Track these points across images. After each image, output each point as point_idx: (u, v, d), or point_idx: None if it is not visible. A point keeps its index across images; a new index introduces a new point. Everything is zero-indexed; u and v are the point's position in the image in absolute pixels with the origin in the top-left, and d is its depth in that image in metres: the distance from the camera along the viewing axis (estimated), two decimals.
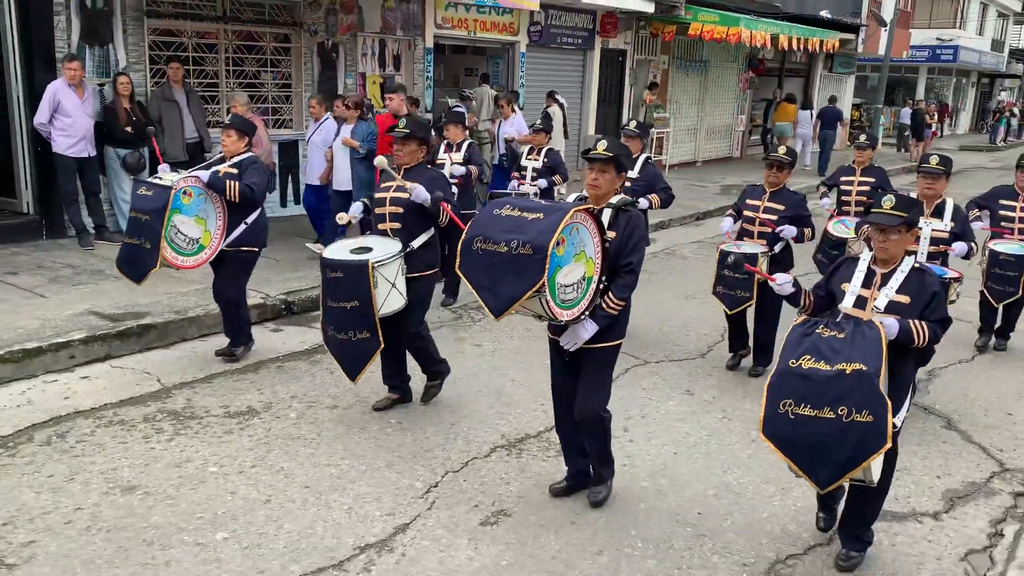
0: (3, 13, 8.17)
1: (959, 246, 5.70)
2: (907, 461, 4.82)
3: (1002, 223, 6.95)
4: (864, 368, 3.25)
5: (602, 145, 3.99)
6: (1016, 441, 5.31)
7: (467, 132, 8.33)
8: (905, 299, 3.63)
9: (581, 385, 4.06)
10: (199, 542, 3.71)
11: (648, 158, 7.28)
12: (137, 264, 5.60)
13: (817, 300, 3.87)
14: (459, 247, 3.67)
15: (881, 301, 3.65)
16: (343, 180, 8.56)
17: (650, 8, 15.62)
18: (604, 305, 3.90)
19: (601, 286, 3.87)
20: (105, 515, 3.90)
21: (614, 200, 3.98)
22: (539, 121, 8.89)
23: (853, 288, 3.75)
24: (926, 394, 5.97)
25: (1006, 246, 6.81)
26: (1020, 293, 6.73)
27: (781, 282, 3.90)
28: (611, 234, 3.89)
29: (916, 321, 3.55)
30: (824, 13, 22.89)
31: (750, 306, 6.10)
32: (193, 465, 4.42)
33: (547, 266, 3.47)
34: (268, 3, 10.23)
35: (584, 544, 3.88)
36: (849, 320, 3.49)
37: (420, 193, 5.00)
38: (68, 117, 8.13)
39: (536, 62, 14.68)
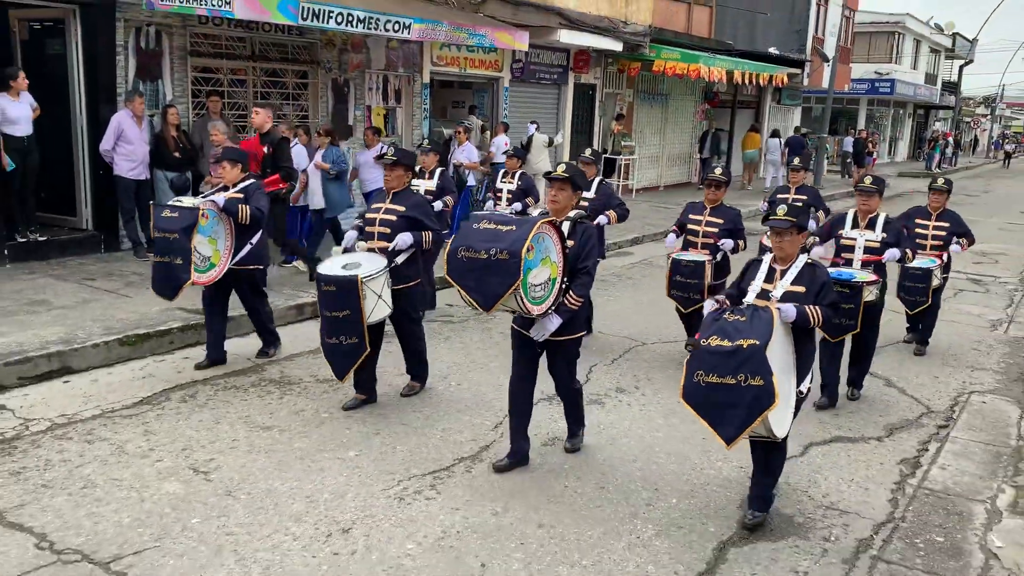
0: (71, 53, 9.32)
1: (890, 252, 6.38)
2: (858, 406, 6.21)
3: (916, 240, 7.69)
4: (757, 343, 3.93)
5: (560, 168, 4.83)
6: (939, 395, 6.74)
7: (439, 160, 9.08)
8: (800, 289, 4.41)
9: (556, 371, 4.96)
10: (339, 458, 4.92)
11: (602, 180, 7.99)
12: (171, 280, 6.13)
13: (731, 299, 4.59)
14: (445, 255, 4.43)
15: (778, 291, 4.44)
16: (318, 200, 9.43)
17: (619, 47, 17.16)
18: (567, 302, 4.67)
19: (564, 286, 4.64)
20: (257, 443, 5.08)
21: (571, 214, 4.79)
22: (512, 148, 9.91)
23: (757, 283, 4.55)
24: (880, 374, 7.39)
25: (916, 261, 7.41)
26: (929, 301, 7.55)
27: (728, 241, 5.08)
28: (570, 242, 4.67)
29: (811, 306, 4.31)
30: (772, 50, 24.83)
31: (700, 305, 6.66)
32: (308, 412, 5.62)
33: (521, 268, 4.23)
34: (290, 43, 11.48)
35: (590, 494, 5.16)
36: (750, 306, 4.22)
37: (404, 241, 5.70)
38: (130, 144, 9.26)
39: (517, 95, 16.10)
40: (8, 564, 3.68)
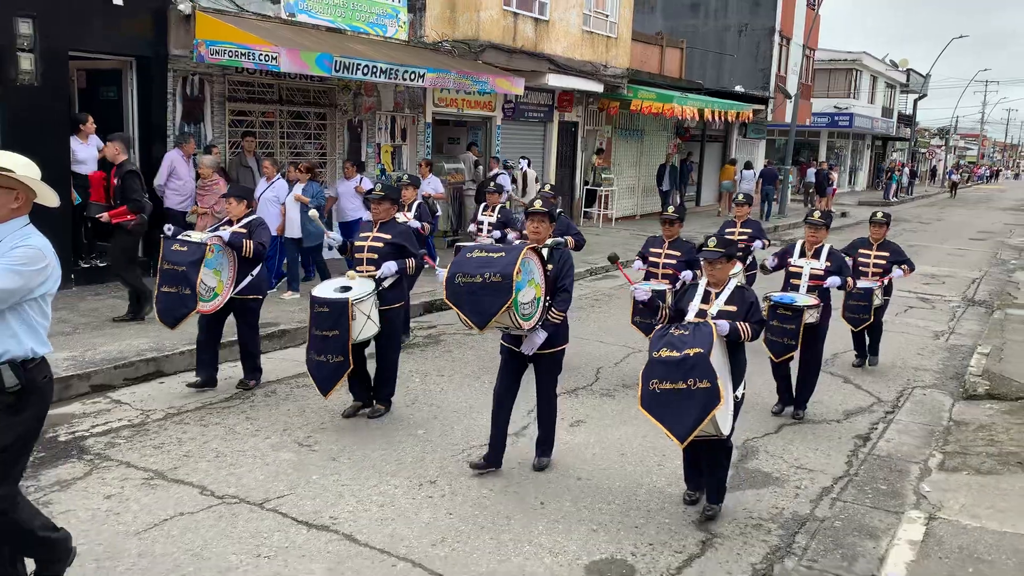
0: (127, 99, 10.51)
1: (832, 280, 7.11)
2: (820, 397, 7.52)
3: (859, 268, 8.50)
4: (701, 351, 4.49)
5: (538, 203, 5.56)
6: (888, 389, 8.09)
7: (417, 193, 9.83)
8: (733, 308, 5.06)
9: (541, 384, 5.51)
10: (411, 434, 6.14)
11: (560, 211, 8.71)
12: (177, 308, 6.44)
13: (671, 315, 5.31)
14: (444, 281, 5.02)
15: (714, 310, 5.08)
16: (295, 229, 10.23)
17: (600, 88, 18.66)
18: (550, 317, 5.29)
19: (547, 303, 5.26)
20: (342, 425, 6.27)
21: (549, 242, 5.42)
22: (492, 184, 10.72)
23: (695, 303, 5.19)
24: (831, 365, 8.73)
25: (859, 283, 8.19)
26: (872, 319, 8.38)
27: (640, 290, 5.40)
28: (549, 266, 5.29)
29: (741, 323, 4.92)
30: (739, 88, 26.59)
31: None
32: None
33: (513, 288, 4.81)
34: (312, 89, 12.75)
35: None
36: (691, 323, 4.86)
37: (389, 269, 6.24)
38: (180, 180, 10.44)
39: (508, 132, 17.49)
40: (185, 505, 4.85)
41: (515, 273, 4.87)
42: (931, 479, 5.77)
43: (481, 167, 16.48)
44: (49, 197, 3.59)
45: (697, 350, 4.51)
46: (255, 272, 6.90)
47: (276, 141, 12.43)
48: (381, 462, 5.60)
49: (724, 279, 5.22)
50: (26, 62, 9.09)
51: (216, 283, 6.65)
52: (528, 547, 4.56)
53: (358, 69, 10.87)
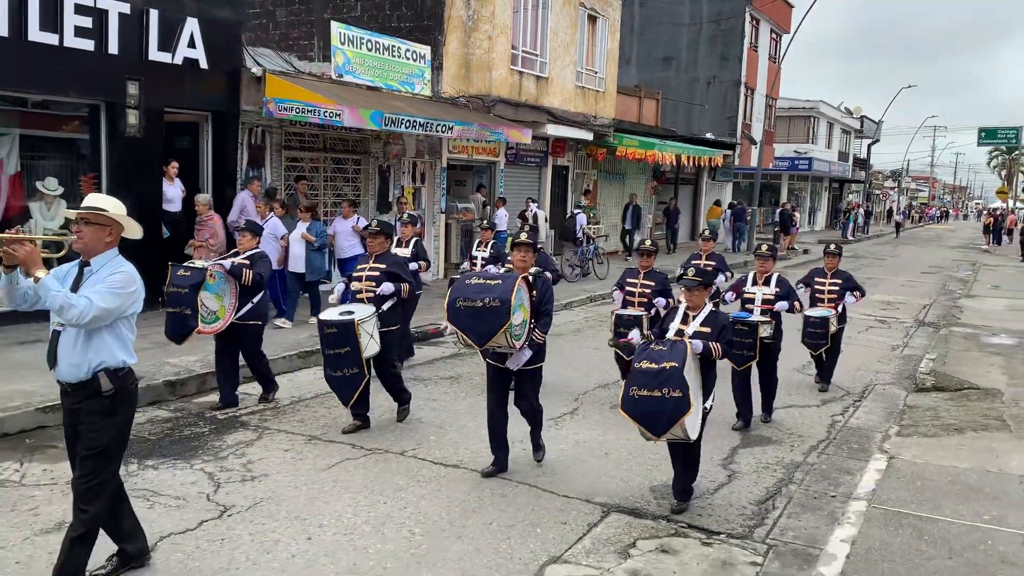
0: (203, 147, 12.20)
1: (780, 304, 7.92)
2: (801, 390, 9.34)
3: (815, 294, 9.36)
4: (676, 365, 5.10)
5: (523, 235, 6.27)
6: (856, 385, 9.93)
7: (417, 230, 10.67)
8: (707, 329, 5.69)
9: (522, 395, 6.15)
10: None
11: (540, 247, 9.53)
12: (181, 327, 7.00)
13: (656, 336, 5.82)
14: (446, 305, 5.61)
15: (690, 330, 5.72)
16: (299, 264, 11.09)
17: (590, 136, 20.69)
18: (535, 337, 5.93)
19: (532, 325, 5.88)
20: (434, 406, 7.95)
21: (533, 270, 6.05)
22: (484, 222, 12.32)
23: (675, 324, 5.88)
24: (806, 371, 10.57)
25: (816, 311, 9.14)
26: (829, 344, 9.17)
27: (634, 338, 6.29)
28: (534, 292, 5.91)
29: (714, 342, 5.57)
30: (709, 135, 28.89)
31: None
32: (455, 392, 8.52)
33: (511, 312, 5.43)
34: (350, 138, 14.54)
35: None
36: (669, 340, 5.49)
37: (386, 288, 7.01)
38: (249, 216, 12.10)
39: (510, 176, 19.39)
40: (346, 454, 6.50)
41: (512, 298, 5.51)
42: (891, 441, 7.60)
43: (488, 207, 18.31)
44: (135, 230, 4.17)
45: (672, 364, 5.15)
46: (256, 300, 7.55)
47: (321, 184, 14.16)
48: (473, 431, 7.24)
49: (700, 304, 5.95)
50: (132, 117, 10.77)
51: (218, 307, 7.26)
52: (633, 467, 6.29)
53: (402, 123, 12.70)
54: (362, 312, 6.83)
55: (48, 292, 3.78)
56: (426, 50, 15.40)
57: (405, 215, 12.35)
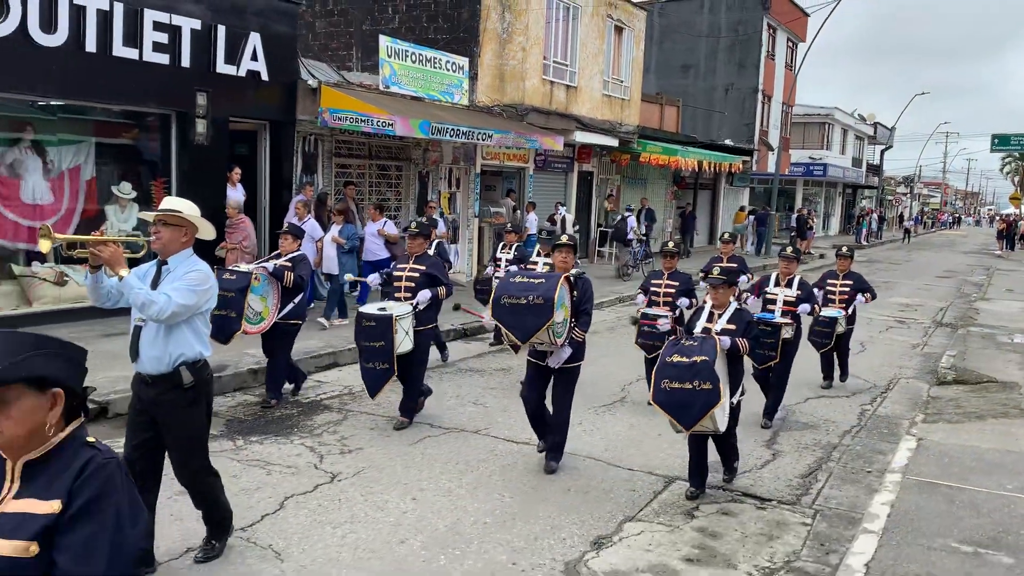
0: (261, 154, 12.95)
1: (803, 306, 8.23)
2: (812, 412, 10.00)
3: (827, 295, 9.59)
4: (706, 359, 5.33)
5: (565, 237, 6.47)
6: (881, 379, 10.57)
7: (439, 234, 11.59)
8: (733, 326, 5.89)
9: (557, 396, 6.23)
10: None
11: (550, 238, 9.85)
12: (226, 328, 7.05)
13: (683, 333, 6.17)
14: (491, 301, 5.89)
15: (717, 327, 5.92)
16: (332, 266, 11.54)
17: (615, 143, 21.39)
18: (575, 335, 6.08)
19: (572, 324, 6.05)
20: (497, 390, 8.65)
21: (573, 271, 6.21)
22: (509, 225, 12.72)
23: (702, 321, 6.09)
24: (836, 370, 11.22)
25: (826, 311, 9.30)
26: (832, 344, 9.48)
27: (662, 322, 7.05)
28: (574, 292, 6.08)
29: (740, 339, 5.79)
30: (728, 141, 29.54)
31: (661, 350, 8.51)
32: (512, 377, 9.22)
33: (554, 309, 5.63)
34: (393, 146, 15.27)
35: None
36: (700, 336, 5.75)
37: (424, 297, 7.20)
38: (302, 220, 12.83)
39: (538, 181, 20.10)
40: (426, 433, 7.19)
41: (555, 296, 5.71)
42: (917, 427, 8.25)
43: (519, 211, 19.01)
44: (208, 231, 4.35)
45: (703, 358, 5.39)
46: (296, 300, 7.80)
47: (365, 188, 14.90)
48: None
49: (726, 302, 6.15)
50: (200, 126, 11.52)
51: (263, 308, 7.53)
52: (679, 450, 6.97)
53: (447, 132, 13.42)
54: (400, 309, 7.10)
55: (131, 290, 3.99)
56: (464, 61, 16.13)
57: (426, 219, 12.67)
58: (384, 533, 5.14)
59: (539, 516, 5.53)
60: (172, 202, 4.37)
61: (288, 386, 8.25)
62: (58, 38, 9.63)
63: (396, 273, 7.39)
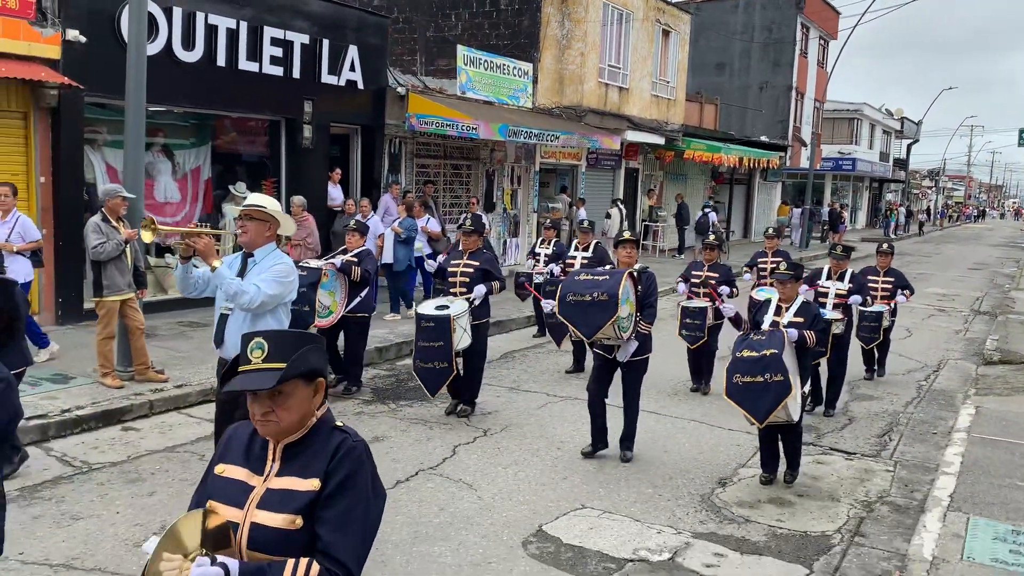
0: (353, 156, 14.12)
1: (855, 298, 8.45)
2: (874, 388, 11.03)
3: (870, 292, 9.27)
4: (776, 352, 5.49)
5: (628, 233, 6.65)
6: (931, 360, 11.58)
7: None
8: (800, 319, 6.05)
9: (626, 388, 6.41)
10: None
11: (598, 243, 10.43)
12: (299, 322, 6.77)
13: (750, 326, 6.35)
14: (556, 299, 6.06)
15: (785, 320, 6.09)
16: (387, 256, 12.09)
17: (661, 141, 22.43)
18: (641, 328, 6.23)
19: (637, 317, 6.21)
20: (546, 383, 9.76)
21: (637, 266, 6.41)
22: (548, 221, 13.34)
23: (770, 316, 6.24)
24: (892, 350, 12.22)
25: (870, 307, 9.42)
26: (881, 338, 9.75)
27: (728, 307, 6.48)
28: (638, 287, 6.27)
29: (807, 331, 5.96)
30: (763, 138, 30.46)
31: (704, 341, 8.77)
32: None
33: (619, 305, 5.80)
34: (464, 146, 16.40)
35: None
36: (768, 330, 5.92)
37: (479, 293, 7.33)
38: (391, 216, 13.98)
39: (589, 177, 21.17)
40: (542, 400, 8.32)
41: (620, 292, 5.88)
42: (971, 399, 9.29)
43: (573, 206, 20.10)
44: (289, 227, 4.51)
45: (772, 351, 5.54)
46: (363, 294, 8.01)
47: (440, 185, 16.04)
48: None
49: (793, 296, 6.27)
50: (307, 131, 12.69)
51: (331, 302, 7.77)
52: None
53: (521, 134, 14.54)
54: (456, 308, 7.21)
55: (223, 280, 4.23)
56: (529, 67, 17.23)
57: (469, 216, 12.81)
58: (547, 472, 6.29)
59: (665, 463, 6.64)
60: (257, 199, 4.55)
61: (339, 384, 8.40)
62: (195, 55, 10.83)
63: (451, 269, 7.53)
